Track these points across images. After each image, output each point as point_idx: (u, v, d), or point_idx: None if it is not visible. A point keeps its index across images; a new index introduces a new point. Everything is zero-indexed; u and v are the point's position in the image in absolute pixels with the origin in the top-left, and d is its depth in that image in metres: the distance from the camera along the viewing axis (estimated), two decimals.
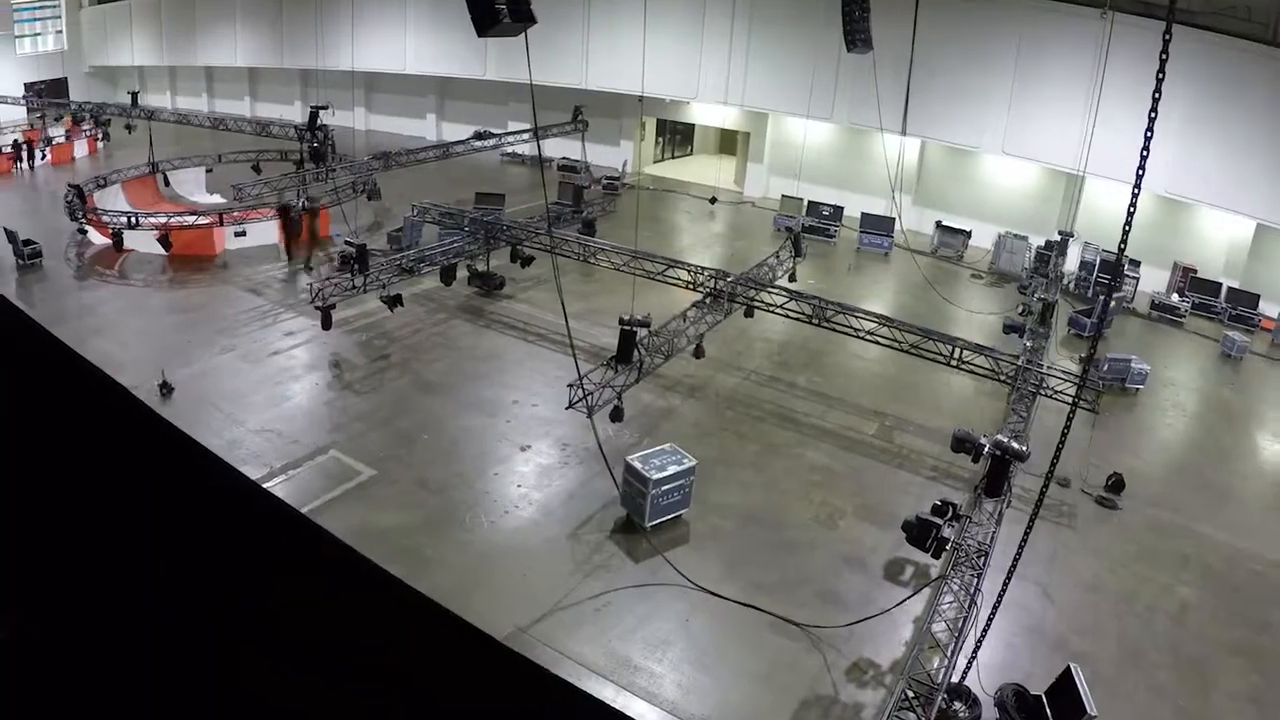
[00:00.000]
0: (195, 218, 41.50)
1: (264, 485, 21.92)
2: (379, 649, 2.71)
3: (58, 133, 61.98)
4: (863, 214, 46.69)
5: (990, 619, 15.96)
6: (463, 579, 20.28)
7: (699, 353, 28.72)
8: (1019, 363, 25.10)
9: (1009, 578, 15.68)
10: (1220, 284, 40.97)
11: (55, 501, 2.94)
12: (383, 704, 2.57)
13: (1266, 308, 39.61)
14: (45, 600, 2.73)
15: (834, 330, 27.76)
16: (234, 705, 2.55)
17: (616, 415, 24.67)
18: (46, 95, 68.46)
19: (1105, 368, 31.40)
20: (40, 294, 36.08)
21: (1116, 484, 24.74)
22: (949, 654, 16.40)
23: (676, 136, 68.35)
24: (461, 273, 36.34)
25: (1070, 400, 17.60)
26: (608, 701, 16.51)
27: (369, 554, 2.79)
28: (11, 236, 38.72)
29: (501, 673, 2.83)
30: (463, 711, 2.65)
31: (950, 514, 19.96)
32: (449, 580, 19.96)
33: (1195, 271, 41.58)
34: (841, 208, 47.73)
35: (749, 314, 29.89)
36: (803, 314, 28.49)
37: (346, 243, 34.22)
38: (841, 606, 19.79)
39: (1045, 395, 25.13)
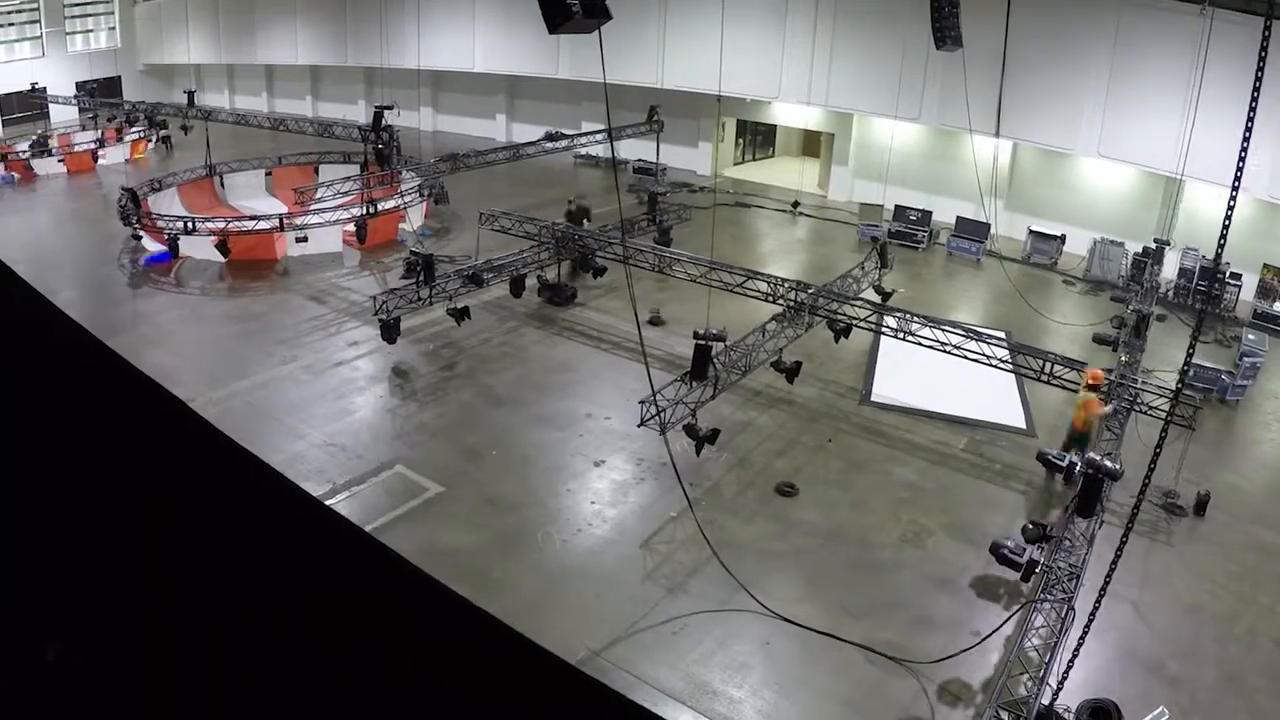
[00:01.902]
0: (254, 222, 41.93)
1: (327, 502, 22.17)
2: (446, 674, 2.72)
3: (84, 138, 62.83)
4: (957, 218, 46.36)
5: (1081, 641, 16.01)
6: (533, 600, 20.49)
7: (790, 377, 28.36)
8: (1112, 377, 24.96)
9: (1099, 599, 15.71)
10: None
11: (108, 521, 2.96)
12: None
13: None
14: (94, 622, 2.75)
15: (919, 345, 27.70)
16: None
17: (699, 446, 24.23)
18: (99, 95, 68.88)
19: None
20: (94, 303, 36.52)
21: (1202, 502, 24.64)
22: (1039, 678, 16.47)
23: (757, 138, 68.01)
24: (531, 282, 36.52)
25: (1165, 416, 17.66)
26: None
27: (435, 574, 2.81)
28: None
29: (575, 698, 2.83)
30: None
31: (1041, 535, 20.06)
32: (519, 601, 20.15)
33: None
34: (930, 212, 47.45)
35: (842, 336, 29.56)
36: (888, 328, 28.51)
37: (412, 252, 34.52)
38: (931, 629, 19.85)
39: (1139, 411, 25.00)
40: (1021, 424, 29.40)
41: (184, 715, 2.60)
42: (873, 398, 30.93)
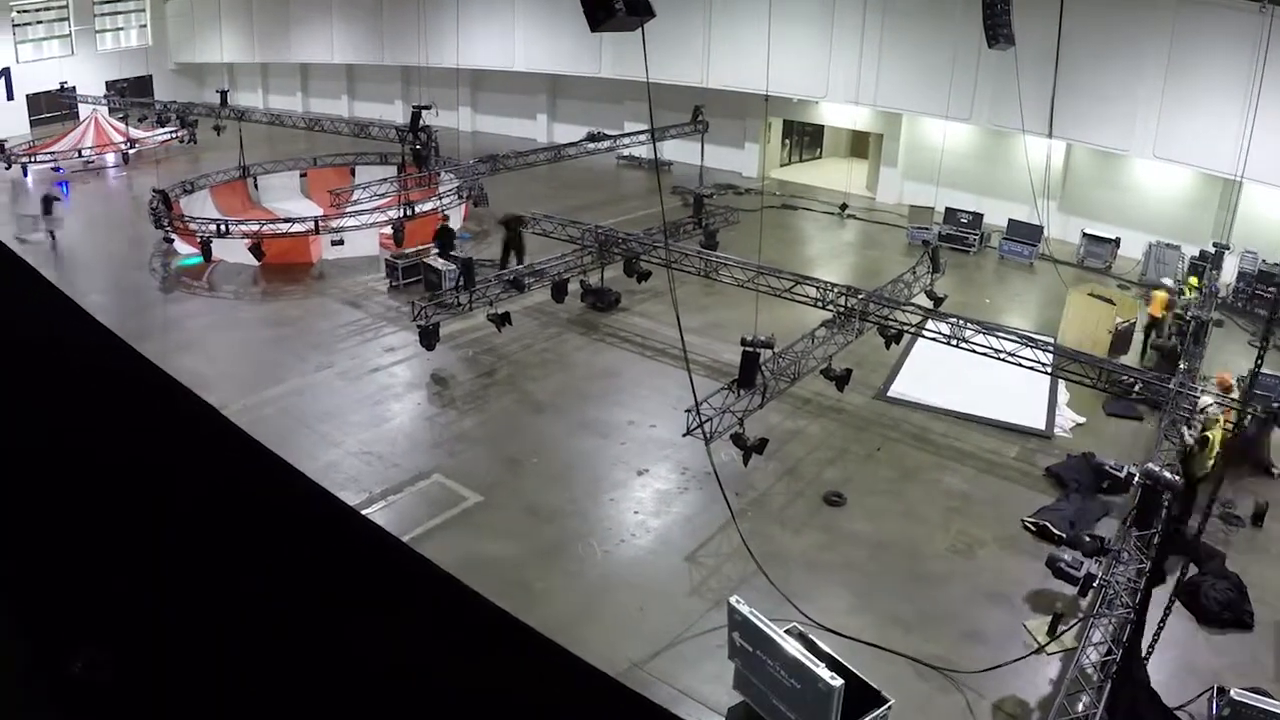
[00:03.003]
0: (289, 225, 42.11)
1: (363, 512, 22.24)
2: (485, 687, 2.73)
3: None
4: (1009, 221, 46.16)
5: (1146, 658, 15.97)
6: (575, 613, 20.57)
7: (840, 384, 28.30)
8: (1170, 386, 24.79)
9: (1165, 614, 15.68)
10: None
11: (138, 530, 3.00)
12: None
13: None
14: (123, 634, 2.79)
15: (973, 351, 27.64)
16: None
17: (746, 456, 24.17)
18: (129, 94, 69.12)
19: None
20: (126, 307, 36.75)
21: (1259, 512, 24.57)
22: (1097, 698, 16.42)
23: (805, 139, 67.81)
24: (574, 287, 36.49)
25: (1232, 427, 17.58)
26: None
27: (474, 586, 2.86)
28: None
29: (617, 713, 2.87)
30: None
31: (1099, 549, 20.00)
32: (560, 614, 20.20)
33: None
34: (981, 215, 47.19)
35: (893, 342, 29.49)
36: (940, 334, 28.47)
37: (451, 256, 34.63)
38: (983, 643, 19.80)
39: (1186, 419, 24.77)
40: (1040, 426, 29.48)
41: None
42: (890, 393, 31.24)
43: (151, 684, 2.67)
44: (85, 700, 2.59)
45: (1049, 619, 20.15)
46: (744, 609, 16.37)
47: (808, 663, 15.13)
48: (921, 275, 33.63)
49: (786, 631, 16.07)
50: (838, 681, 14.66)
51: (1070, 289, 29.83)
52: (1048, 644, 19.42)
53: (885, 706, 15.58)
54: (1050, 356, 27.10)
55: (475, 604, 2.82)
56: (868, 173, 60.11)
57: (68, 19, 75.57)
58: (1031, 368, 26.89)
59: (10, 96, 69.08)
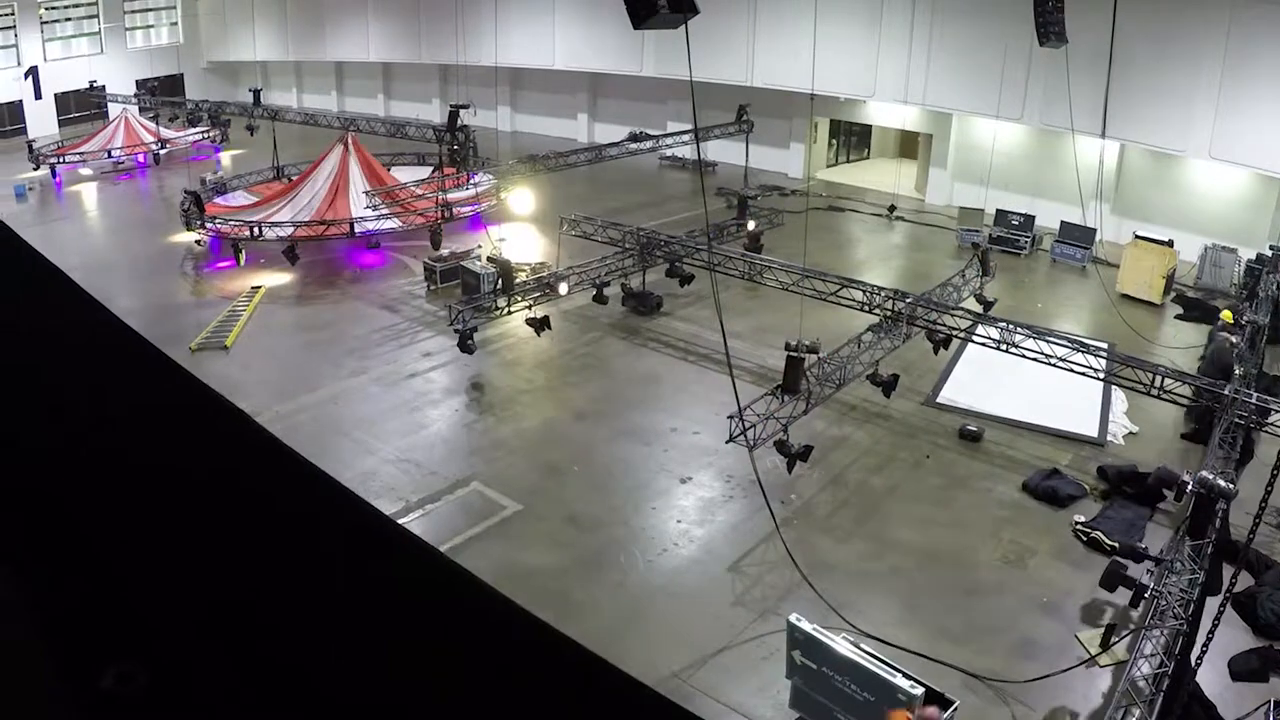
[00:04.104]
0: (323, 227, 42.34)
1: (399, 521, 22.35)
2: (526, 700, 2.68)
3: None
4: (1061, 223, 45.96)
5: (1196, 668, 16.02)
6: (616, 623, 20.74)
7: (887, 390, 28.34)
8: (1226, 392, 24.63)
9: (1214, 627, 15.71)
10: None
11: (167, 541, 2.94)
12: None
13: None
14: (154, 649, 2.68)
15: (1023, 356, 27.59)
16: None
17: (790, 463, 24.29)
18: (160, 93, 69.10)
19: None
20: (155, 311, 36.95)
21: None
22: (1149, 711, 16.45)
23: (852, 139, 67.58)
24: (614, 291, 36.64)
25: None
26: None
27: (514, 596, 2.77)
28: None
29: None
30: None
31: (1151, 558, 20.05)
32: (601, 625, 20.41)
33: None
34: (1033, 217, 47.04)
35: (941, 347, 29.50)
36: (989, 339, 28.45)
37: (489, 259, 34.77)
38: (1034, 655, 19.80)
39: (1254, 427, 24.64)
40: (1093, 433, 29.41)
41: None
42: (938, 399, 31.25)
43: (184, 697, 2.71)
44: (116, 715, 2.50)
45: (1101, 630, 20.19)
46: (805, 626, 16.50)
47: (884, 674, 15.29)
48: (971, 279, 33.61)
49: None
50: (918, 690, 14.85)
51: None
52: (1099, 654, 19.46)
53: (952, 708, 15.70)
54: (1104, 362, 27.06)
55: (514, 614, 2.73)
56: (917, 174, 59.91)
57: (97, 16, 76.17)
58: (1083, 373, 26.80)
59: (39, 95, 69.31)
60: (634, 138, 51.30)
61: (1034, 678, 18.92)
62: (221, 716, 2.64)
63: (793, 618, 16.58)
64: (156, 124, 65.43)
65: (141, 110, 67.19)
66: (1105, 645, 19.85)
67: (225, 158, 64.33)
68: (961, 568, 22.59)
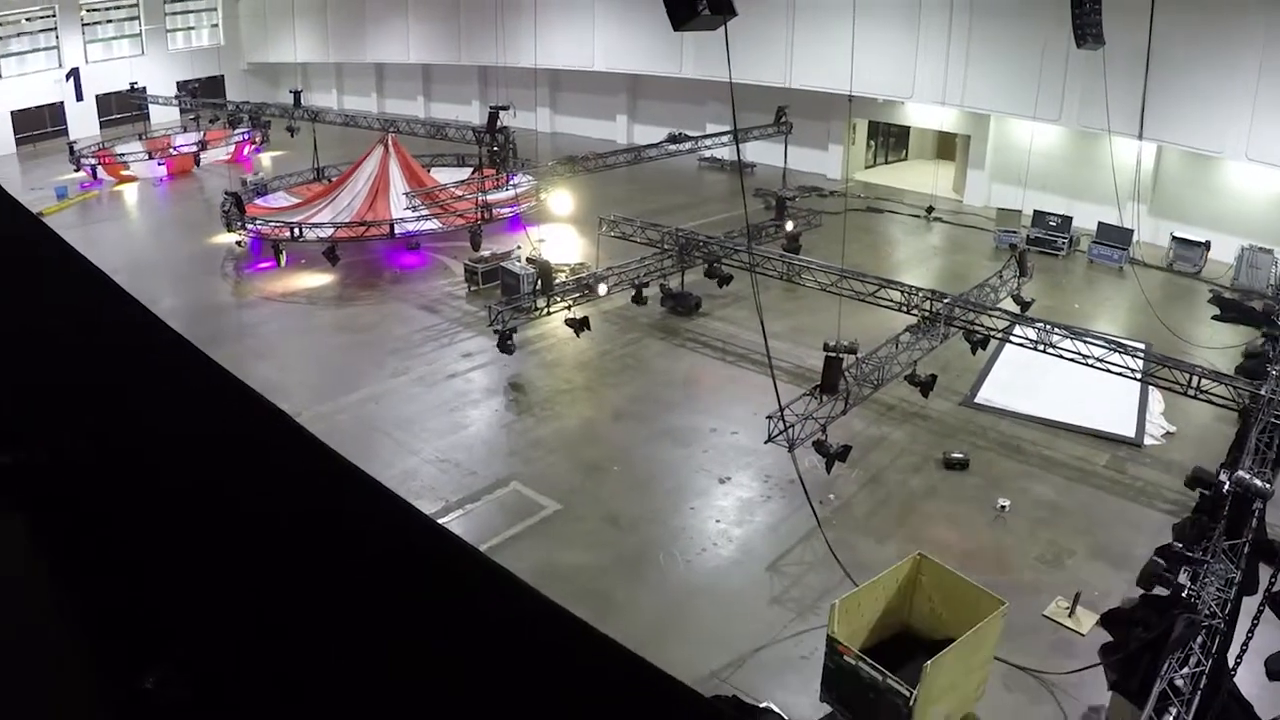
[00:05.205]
0: (364, 228, 42.53)
1: (440, 521, 22.44)
2: (565, 697, 2.73)
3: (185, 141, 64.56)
4: (1099, 224, 45.85)
5: (1235, 669, 16.00)
6: (656, 623, 20.82)
7: (925, 390, 28.39)
8: (1263, 392, 24.50)
9: (1253, 626, 15.70)
10: None
11: (214, 541, 3.10)
12: None
13: None
14: (201, 647, 2.88)
15: (1060, 357, 27.55)
16: None
17: (829, 463, 24.24)
18: (201, 95, 69.58)
19: None
20: (198, 313, 37.10)
21: None
22: (1185, 709, 16.43)
23: (890, 140, 67.43)
24: (653, 292, 36.76)
25: None
26: None
27: (553, 596, 2.86)
28: None
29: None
30: None
31: (1187, 557, 20.02)
32: (641, 624, 20.50)
33: None
34: (1070, 218, 47.02)
35: (979, 348, 29.56)
36: (1027, 339, 28.45)
37: (529, 260, 34.85)
38: (1073, 653, 19.82)
39: None
40: (1130, 434, 29.38)
41: None
42: (976, 399, 31.28)
43: (226, 696, 2.79)
44: (158, 716, 2.70)
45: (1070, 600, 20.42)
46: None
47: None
48: (1009, 279, 33.52)
49: None
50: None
51: None
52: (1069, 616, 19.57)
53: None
54: (1141, 363, 27.07)
55: (554, 614, 2.85)
56: (954, 175, 59.69)
57: (138, 18, 76.60)
58: (1121, 374, 26.80)
59: (80, 97, 69.85)
60: (673, 139, 51.35)
61: (1073, 670, 19.06)
62: (262, 707, 2.81)
63: None
64: (198, 125, 66.29)
65: (182, 112, 67.99)
66: (1072, 611, 20.07)
67: (266, 159, 64.85)
68: (1000, 568, 22.49)
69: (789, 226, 42.74)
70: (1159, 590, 20.24)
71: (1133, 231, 44.36)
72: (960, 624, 17.72)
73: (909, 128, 64.97)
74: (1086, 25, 39.40)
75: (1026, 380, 31.61)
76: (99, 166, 59.32)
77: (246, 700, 2.87)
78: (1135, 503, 25.84)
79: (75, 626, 3.06)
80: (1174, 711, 16.17)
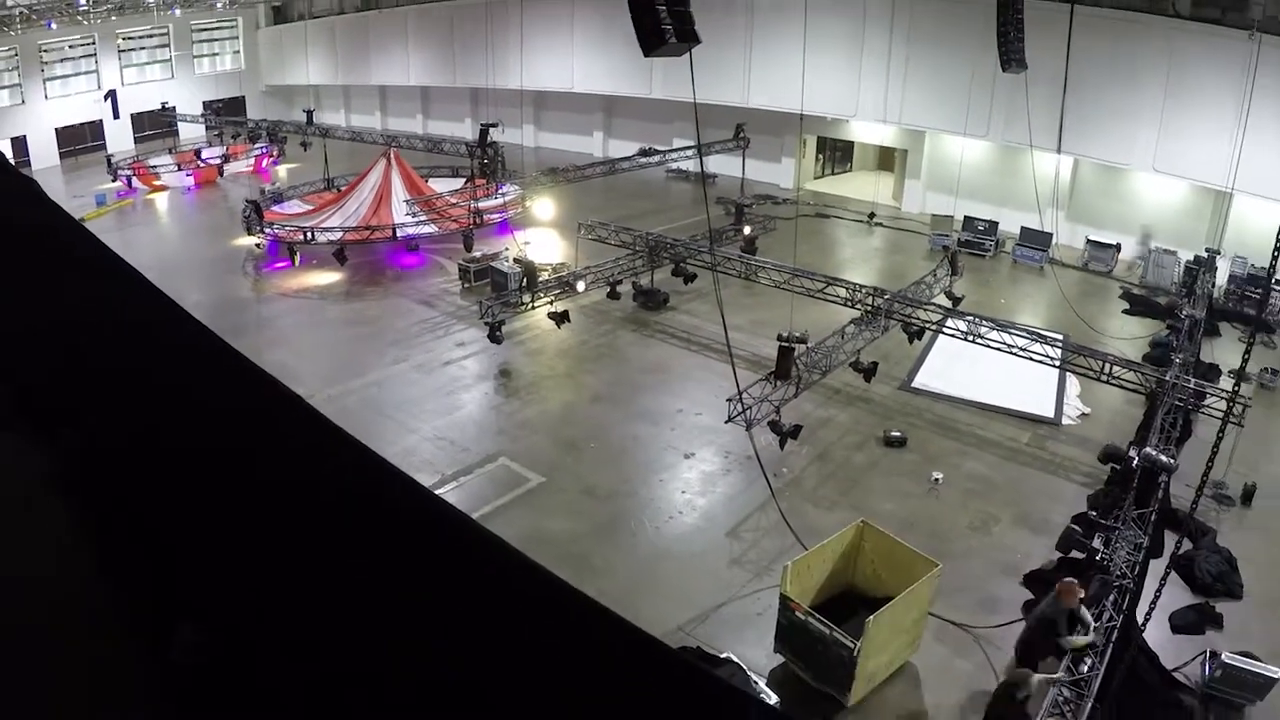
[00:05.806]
0: (370, 232, 42.47)
1: (437, 492, 22.40)
2: (550, 653, 2.73)
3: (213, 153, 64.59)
4: (1022, 228, 45.94)
5: (1143, 626, 16.04)
6: (629, 583, 20.86)
7: (868, 376, 28.41)
8: (1167, 378, 24.75)
9: (1161, 587, 15.74)
10: None
11: (230, 511, 3.05)
12: (547, 705, 2.64)
13: None
14: (217, 617, 2.82)
15: (987, 346, 27.66)
16: (403, 712, 2.63)
17: (782, 441, 24.50)
18: (224, 113, 70.36)
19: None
20: (221, 307, 36.98)
21: (1248, 492, 24.61)
22: (1099, 659, 16.45)
23: (836, 153, 67.47)
24: (626, 288, 36.73)
25: (1221, 415, 17.59)
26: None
27: (539, 559, 2.84)
28: None
29: (671, 677, 2.79)
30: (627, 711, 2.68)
31: (1100, 524, 20.13)
32: (617, 584, 20.52)
33: None
34: (996, 223, 47.13)
35: (916, 338, 29.67)
36: (958, 330, 28.56)
37: (515, 260, 34.80)
38: (998, 610, 19.98)
39: (1193, 409, 24.69)
40: (1050, 414, 29.65)
41: (291, 701, 2.71)
42: (913, 384, 31.47)
43: (248, 666, 2.72)
44: (183, 683, 2.65)
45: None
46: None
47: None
48: (942, 277, 33.69)
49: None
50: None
51: None
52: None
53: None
54: (1059, 351, 27.25)
55: (540, 576, 2.80)
56: (894, 185, 59.64)
57: (168, 45, 76.40)
58: (1042, 361, 27.03)
59: (116, 115, 69.70)
60: (644, 153, 51.33)
61: (998, 624, 19.27)
62: (284, 682, 2.71)
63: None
64: (221, 140, 66.56)
65: (208, 129, 68.57)
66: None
67: (282, 170, 64.63)
68: (934, 536, 22.49)
69: (746, 231, 42.69)
70: (1075, 554, 20.42)
71: (1052, 235, 44.48)
72: (899, 584, 17.87)
73: (853, 143, 64.84)
74: (1011, 51, 39.40)
75: (958, 367, 31.65)
76: (134, 177, 59.07)
77: (266, 651, 2.81)
78: (1054, 476, 25.93)
79: (112, 594, 3.00)
80: (1090, 660, 16.23)
